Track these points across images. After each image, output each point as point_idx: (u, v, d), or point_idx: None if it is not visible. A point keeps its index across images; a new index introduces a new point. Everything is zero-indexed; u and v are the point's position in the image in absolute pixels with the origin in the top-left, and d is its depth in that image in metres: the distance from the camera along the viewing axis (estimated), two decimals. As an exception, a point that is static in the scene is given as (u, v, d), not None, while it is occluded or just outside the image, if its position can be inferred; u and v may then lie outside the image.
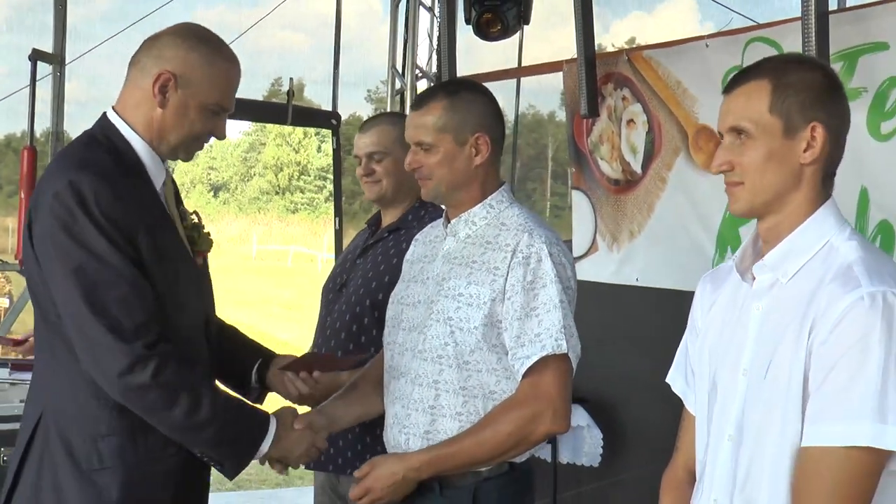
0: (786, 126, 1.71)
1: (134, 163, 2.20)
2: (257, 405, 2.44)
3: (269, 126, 38.89)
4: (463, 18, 5.19)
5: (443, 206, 2.48)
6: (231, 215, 39.29)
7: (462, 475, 2.27)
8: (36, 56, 5.17)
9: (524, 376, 2.21)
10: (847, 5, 3.81)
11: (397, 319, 2.44)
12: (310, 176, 43.34)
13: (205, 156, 45.99)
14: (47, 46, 5.21)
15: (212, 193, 43.52)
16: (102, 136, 2.21)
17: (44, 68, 5.22)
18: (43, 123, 5.26)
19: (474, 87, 2.50)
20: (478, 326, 2.25)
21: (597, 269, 4.63)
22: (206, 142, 2.32)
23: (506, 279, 2.24)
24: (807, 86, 1.73)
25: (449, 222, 2.41)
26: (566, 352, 2.20)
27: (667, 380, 2.06)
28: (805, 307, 1.66)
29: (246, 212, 40.69)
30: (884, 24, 3.44)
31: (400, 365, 2.38)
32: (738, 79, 1.79)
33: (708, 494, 1.79)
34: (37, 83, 5.14)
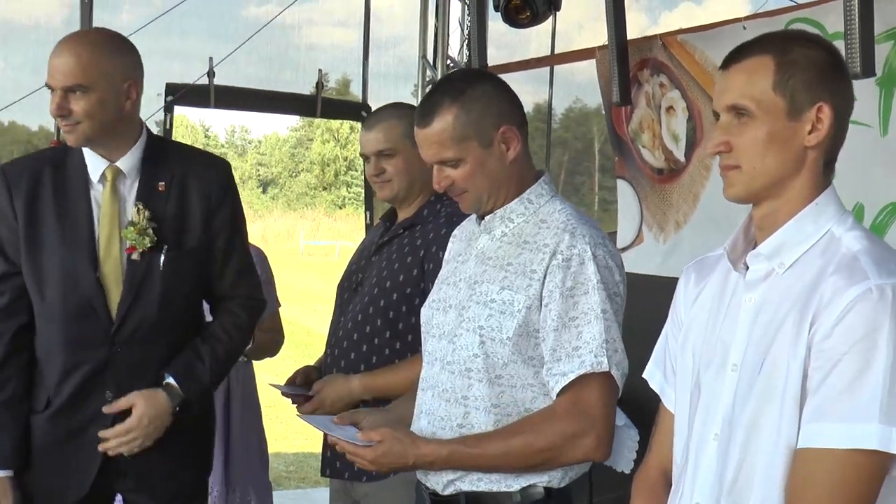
0: (790, 106, 1.60)
1: (67, 158, 2.55)
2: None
3: (317, 121, 39.47)
4: (492, 6, 5.15)
5: None
6: (279, 211, 39.87)
7: (491, 500, 2.09)
8: None
9: (559, 394, 2.02)
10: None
11: (429, 325, 2.26)
12: (356, 171, 43.52)
13: (253, 151, 46.77)
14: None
15: (261, 189, 44.14)
16: None
17: None
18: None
19: (476, 78, 2.27)
20: (511, 337, 2.04)
21: (643, 261, 4.62)
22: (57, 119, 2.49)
23: (543, 284, 2.03)
24: (812, 63, 1.61)
25: (483, 218, 2.20)
26: (608, 370, 1.99)
27: (644, 375, 1.93)
28: (805, 299, 1.56)
29: (293, 207, 41.17)
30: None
31: (429, 376, 2.20)
32: (737, 53, 1.67)
33: (689, 498, 1.69)
34: None
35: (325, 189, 43.62)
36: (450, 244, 2.39)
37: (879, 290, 1.49)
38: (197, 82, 5.51)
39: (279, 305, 4.02)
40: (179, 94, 5.50)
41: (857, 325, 1.49)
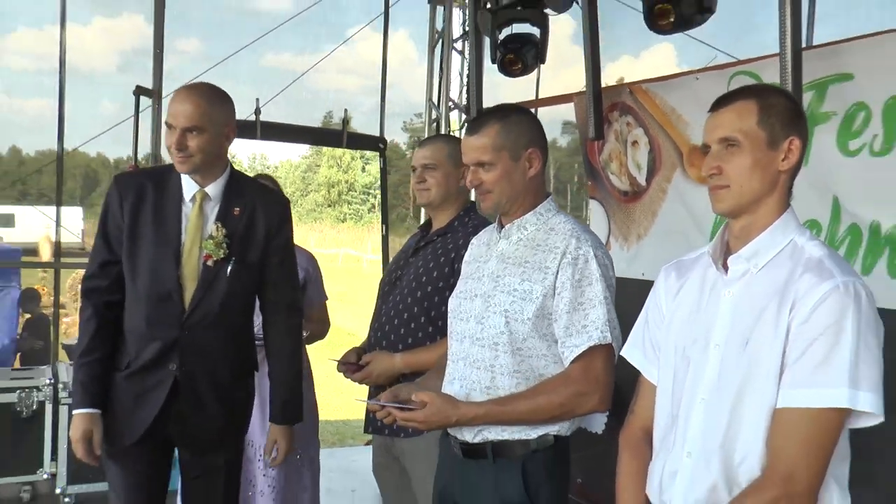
0: (770, 138, 1.69)
1: (169, 179, 2.67)
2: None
3: (324, 150, 39.30)
4: (489, 59, 5.12)
5: (487, 216, 2.41)
6: (293, 224, 39.43)
7: (513, 446, 2.16)
8: (139, 92, 5.26)
9: (573, 362, 2.11)
10: (813, 43, 3.71)
11: (457, 311, 2.33)
12: (356, 192, 43.63)
13: (272, 175, 46.37)
14: (148, 84, 5.27)
15: (277, 206, 43.69)
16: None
17: (145, 102, 5.30)
18: (144, 148, 5.36)
19: (520, 110, 2.36)
20: (530, 318, 2.13)
21: (612, 266, 4.61)
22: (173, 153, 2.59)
23: (556, 277, 2.13)
24: (785, 107, 1.71)
25: (502, 227, 2.30)
26: (611, 342, 2.09)
27: (622, 353, 2.01)
28: (782, 293, 1.63)
29: (304, 221, 40.90)
30: (849, 58, 3.41)
31: (460, 350, 2.27)
32: (725, 99, 1.75)
33: (681, 449, 1.74)
34: (139, 114, 5.27)
35: (330, 206, 43.37)
36: (469, 249, 2.47)
37: (845, 285, 1.57)
38: (246, 118, 5.57)
39: (326, 299, 4.00)
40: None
41: (829, 313, 1.56)
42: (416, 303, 2.76)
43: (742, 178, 1.69)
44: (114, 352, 2.64)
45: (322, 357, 3.06)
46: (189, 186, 2.65)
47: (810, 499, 1.59)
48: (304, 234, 36.21)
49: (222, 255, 2.62)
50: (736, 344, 1.68)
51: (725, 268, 1.75)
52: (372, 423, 2.83)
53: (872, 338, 1.58)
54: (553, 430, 2.18)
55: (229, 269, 2.63)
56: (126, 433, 2.62)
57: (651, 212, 4.51)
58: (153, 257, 2.60)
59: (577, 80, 4.62)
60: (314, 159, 44.40)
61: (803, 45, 3.46)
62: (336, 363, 2.87)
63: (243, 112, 5.59)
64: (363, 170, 42.08)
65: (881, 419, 1.57)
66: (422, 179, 2.88)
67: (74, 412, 2.61)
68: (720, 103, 1.75)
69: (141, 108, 5.20)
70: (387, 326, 2.82)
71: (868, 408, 1.55)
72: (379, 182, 6.93)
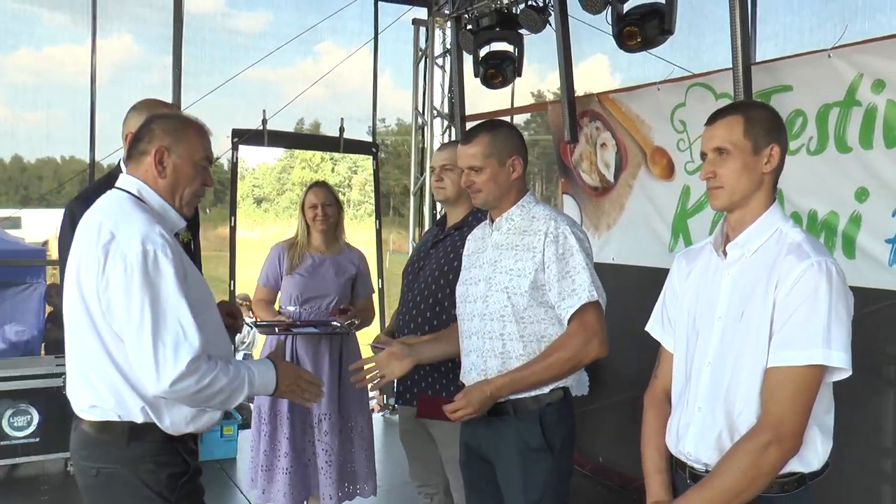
0: (754, 146, 1.81)
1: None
2: None
3: (296, 153, 38.82)
4: (470, 72, 5.24)
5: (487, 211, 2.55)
6: (270, 220, 38.89)
7: (530, 401, 2.32)
8: None
9: (570, 320, 2.27)
10: (758, 60, 3.90)
11: (465, 295, 2.49)
12: (327, 190, 43.30)
13: (250, 176, 45.68)
14: (144, 94, 5.19)
15: (256, 204, 43.18)
16: None
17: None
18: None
19: (506, 125, 2.56)
20: (527, 290, 2.30)
21: (585, 252, 4.72)
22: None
23: (543, 254, 2.30)
24: (765, 119, 1.84)
25: (493, 221, 2.47)
26: (597, 299, 2.26)
27: (646, 328, 2.11)
28: (768, 272, 1.75)
29: (281, 217, 40.38)
30: (788, 73, 3.60)
31: (471, 327, 2.42)
32: (716, 115, 1.88)
33: (693, 405, 1.85)
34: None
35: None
36: (467, 244, 2.63)
37: (818, 264, 1.70)
38: (256, 128, 5.62)
39: (373, 292, 4.06)
40: (244, 137, 5.61)
41: (806, 286, 1.69)
42: (439, 289, 2.85)
43: (733, 180, 1.82)
44: None
45: (369, 340, 3.14)
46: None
47: (796, 440, 1.70)
48: (282, 230, 35.76)
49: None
50: (734, 316, 1.80)
51: (725, 254, 1.88)
52: (402, 396, 2.93)
53: (842, 307, 1.69)
54: (562, 383, 2.35)
55: None
56: None
57: (619, 205, 4.65)
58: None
59: (540, 91, 4.73)
60: (288, 161, 43.83)
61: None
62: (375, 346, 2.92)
63: (253, 122, 5.64)
64: (332, 170, 41.78)
65: (849, 373, 1.70)
66: (440, 178, 2.98)
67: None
68: (713, 118, 1.88)
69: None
70: (414, 311, 2.90)
71: (839, 364, 1.67)
72: (348, 182, 7.06)
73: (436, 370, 2.85)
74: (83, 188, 2.85)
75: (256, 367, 2.05)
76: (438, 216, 3.26)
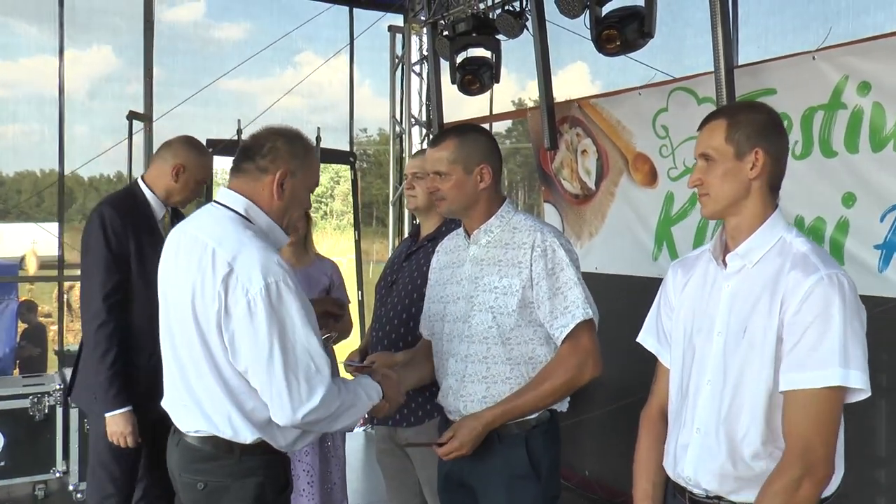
0: (736, 151, 1.70)
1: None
2: None
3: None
4: (448, 79, 5.12)
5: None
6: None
7: (514, 426, 2.16)
8: (131, 116, 5.17)
9: (563, 341, 2.11)
10: (740, 63, 3.80)
11: (441, 314, 2.31)
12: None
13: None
14: (139, 108, 5.16)
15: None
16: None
17: (137, 125, 5.21)
18: (138, 169, 5.22)
19: (478, 129, 2.35)
20: (515, 310, 2.13)
21: (566, 262, 4.61)
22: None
23: (530, 269, 2.12)
24: (751, 122, 1.71)
25: (469, 235, 2.29)
26: (591, 317, 2.11)
27: (638, 340, 2.00)
28: (773, 286, 1.64)
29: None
30: (772, 76, 3.51)
31: (449, 348, 2.25)
32: (706, 119, 1.78)
33: (691, 425, 1.75)
34: (133, 137, 5.16)
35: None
36: (436, 257, 2.45)
37: (829, 277, 1.59)
38: (230, 138, 5.49)
39: (349, 303, 3.84)
40: (218, 147, 5.45)
41: (817, 303, 1.58)
42: (412, 304, 2.72)
43: (716, 187, 1.72)
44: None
45: (348, 351, 3.01)
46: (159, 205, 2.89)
47: (828, 468, 1.58)
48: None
49: None
50: (735, 331, 1.69)
51: (725, 264, 1.77)
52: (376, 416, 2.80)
53: (857, 322, 1.59)
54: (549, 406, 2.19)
55: None
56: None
57: (601, 212, 4.54)
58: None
59: (503, 95, 4.63)
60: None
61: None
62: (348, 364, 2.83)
63: (227, 132, 5.52)
64: (316, 180, 41.76)
65: (868, 394, 1.60)
66: (410, 186, 2.86)
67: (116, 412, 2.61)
68: (703, 123, 1.78)
69: (134, 131, 5.09)
70: (387, 326, 2.77)
71: (857, 384, 1.57)
72: (331, 192, 6.90)
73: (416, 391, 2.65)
74: (109, 195, 3.00)
75: (361, 380, 2.06)
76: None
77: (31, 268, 10.60)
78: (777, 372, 1.62)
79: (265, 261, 1.81)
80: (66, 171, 5.32)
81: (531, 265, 2.13)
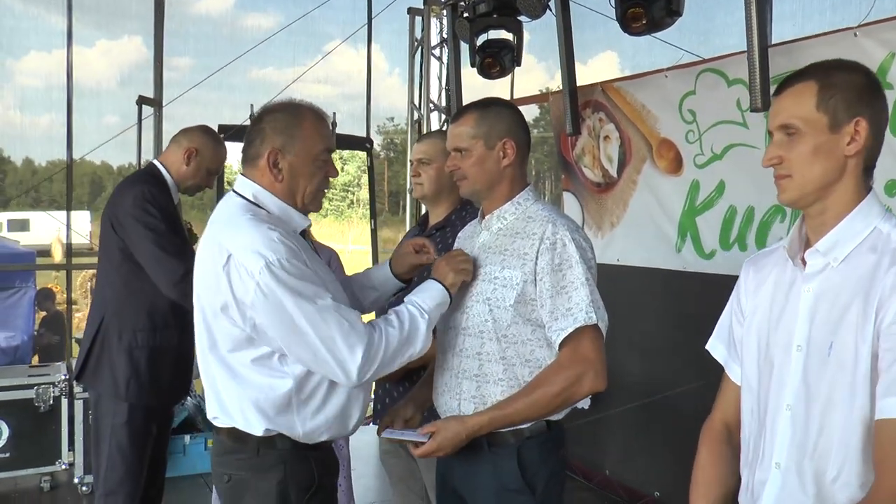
0: (832, 121, 1.39)
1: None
2: None
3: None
4: (467, 62, 4.96)
5: (478, 206, 2.21)
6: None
7: (508, 434, 1.93)
8: (141, 101, 5.10)
9: (562, 346, 1.88)
10: (774, 41, 3.55)
11: None
12: (336, 189, 43.22)
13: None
14: (149, 94, 5.09)
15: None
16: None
17: (147, 111, 5.13)
18: (147, 153, 5.14)
19: (501, 102, 2.12)
20: (512, 304, 1.91)
21: (586, 252, 4.45)
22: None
23: (535, 263, 1.90)
24: (851, 85, 1.40)
25: (483, 218, 2.09)
26: (596, 322, 1.87)
27: (706, 347, 1.71)
28: (867, 289, 1.34)
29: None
30: (808, 55, 3.24)
31: (446, 341, 2.05)
32: (786, 82, 1.46)
33: (769, 459, 1.46)
34: (142, 122, 5.09)
35: (314, 203, 43.54)
36: (456, 243, 2.26)
37: None
38: (242, 123, 5.33)
39: None
40: (230, 132, 5.32)
41: None
42: (418, 295, 2.56)
43: (803, 167, 1.41)
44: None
45: None
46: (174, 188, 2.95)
47: None
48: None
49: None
50: (819, 347, 1.39)
51: (804, 262, 1.46)
52: (380, 417, 2.60)
53: None
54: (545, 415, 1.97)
55: None
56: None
57: (622, 201, 4.33)
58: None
59: (543, 82, 4.42)
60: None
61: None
62: None
63: (240, 117, 5.38)
64: (342, 170, 41.93)
65: None
66: (416, 174, 2.68)
67: None
68: (782, 87, 1.45)
69: (143, 117, 5.01)
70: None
71: None
72: (358, 181, 6.72)
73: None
74: (132, 174, 3.07)
75: (414, 294, 1.97)
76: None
77: (57, 255, 10.65)
78: (875, 397, 1.32)
79: (262, 238, 1.76)
80: (97, 160, 5.24)
81: (537, 258, 1.91)
